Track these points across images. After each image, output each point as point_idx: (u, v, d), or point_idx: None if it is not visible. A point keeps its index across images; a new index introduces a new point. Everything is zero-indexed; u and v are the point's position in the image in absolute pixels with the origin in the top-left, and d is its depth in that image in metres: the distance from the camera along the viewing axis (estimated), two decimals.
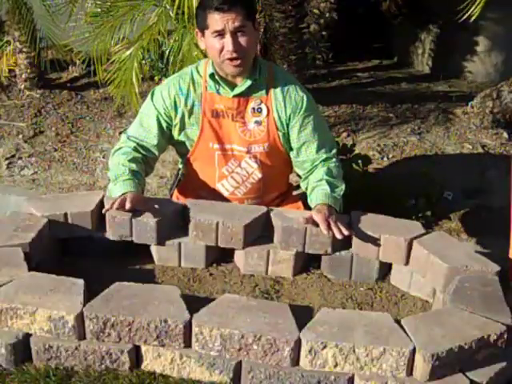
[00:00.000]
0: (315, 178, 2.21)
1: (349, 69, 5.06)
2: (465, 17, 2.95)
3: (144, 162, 2.21)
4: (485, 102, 3.65)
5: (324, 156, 2.24)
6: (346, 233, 1.97)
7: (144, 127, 2.22)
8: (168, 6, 3.23)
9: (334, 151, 2.28)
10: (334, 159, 2.26)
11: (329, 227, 1.97)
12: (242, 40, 2.07)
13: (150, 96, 2.25)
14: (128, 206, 1.98)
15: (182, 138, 2.26)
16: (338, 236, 1.96)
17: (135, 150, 2.20)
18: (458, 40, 4.84)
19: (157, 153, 2.25)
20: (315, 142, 2.23)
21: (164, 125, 2.22)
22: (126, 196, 2.01)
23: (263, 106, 2.19)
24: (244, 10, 2.05)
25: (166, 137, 2.25)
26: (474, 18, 2.94)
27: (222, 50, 2.07)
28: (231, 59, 2.07)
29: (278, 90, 2.19)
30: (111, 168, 2.18)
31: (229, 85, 2.18)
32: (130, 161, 2.15)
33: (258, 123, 2.20)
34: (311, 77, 4.16)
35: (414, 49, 5.27)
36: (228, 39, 2.04)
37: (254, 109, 2.19)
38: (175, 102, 2.20)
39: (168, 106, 2.20)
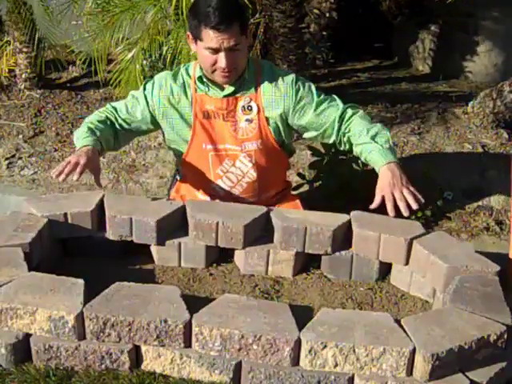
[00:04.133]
0: (354, 135, 2.14)
1: (349, 69, 5.05)
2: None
3: (114, 129, 2.25)
4: (485, 102, 3.64)
5: (337, 113, 2.18)
6: (414, 206, 1.91)
7: (128, 111, 2.25)
8: (163, 6, 3.23)
9: (340, 103, 2.23)
10: (348, 110, 2.20)
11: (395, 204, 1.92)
12: (236, 56, 2.07)
13: (143, 86, 2.26)
14: (75, 177, 1.95)
15: (174, 139, 2.27)
16: (405, 214, 1.92)
17: (109, 119, 2.24)
18: (457, 40, 4.83)
19: (130, 133, 2.31)
20: (325, 109, 2.20)
21: (148, 116, 2.24)
22: (80, 159, 1.99)
23: (253, 104, 2.19)
24: (239, 27, 2.04)
25: (146, 125, 2.27)
26: None
27: (214, 63, 2.07)
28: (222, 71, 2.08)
29: (266, 85, 2.19)
30: (85, 121, 2.23)
31: (218, 86, 2.19)
32: (98, 121, 2.19)
33: (249, 121, 2.21)
34: (311, 77, 4.15)
35: (414, 49, 5.27)
36: (222, 57, 2.04)
37: (243, 107, 2.19)
38: (166, 102, 2.21)
39: (155, 105, 2.22)
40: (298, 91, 2.19)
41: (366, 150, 2.09)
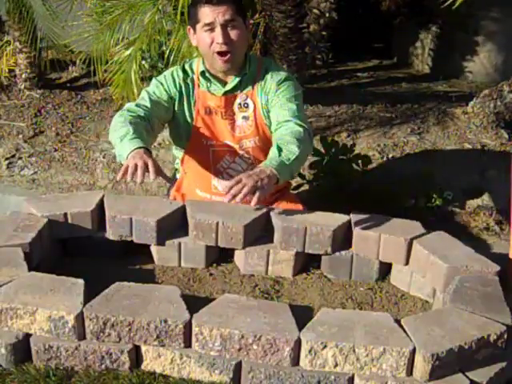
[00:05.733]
0: (274, 136, 2.10)
1: (349, 69, 5.06)
2: (447, 3, 2.91)
3: (148, 126, 2.11)
4: (485, 102, 3.65)
5: (284, 118, 2.10)
6: (238, 198, 1.80)
7: (153, 100, 2.17)
8: (160, 6, 3.23)
9: (296, 116, 2.10)
10: (291, 122, 2.08)
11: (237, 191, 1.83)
12: (232, 33, 2.08)
13: (155, 79, 2.24)
14: (152, 176, 1.85)
15: (177, 133, 2.28)
16: (225, 199, 1.84)
17: (140, 117, 2.10)
18: (458, 40, 4.84)
19: (165, 118, 2.23)
20: (285, 109, 2.13)
21: (170, 101, 2.21)
22: (147, 161, 1.86)
23: (249, 101, 2.20)
24: (234, 4, 2.07)
25: (168, 115, 2.22)
26: (458, 3, 2.89)
27: (211, 43, 2.08)
28: (221, 53, 2.09)
29: (262, 82, 2.20)
30: (114, 129, 2.05)
31: (220, 82, 2.19)
32: (134, 117, 2.06)
33: (246, 118, 2.22)
34: (311, 77, 4.17)
35: (414, 49, 5.28)
36: (218, 32, 2.06)
37: (240, 104, 2.20)
38: (176, 94, 2.22)
39: (172, 93, 2.21)
40: (277, 90, 2.17)
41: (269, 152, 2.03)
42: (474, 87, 4.69)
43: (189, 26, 2.19)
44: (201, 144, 2.24)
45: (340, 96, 4.08)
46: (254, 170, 1.92)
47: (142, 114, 2.12)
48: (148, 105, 2.15)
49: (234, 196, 1.83)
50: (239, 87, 2.20)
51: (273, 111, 2.17)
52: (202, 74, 2.19)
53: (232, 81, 2.19)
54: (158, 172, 1.89)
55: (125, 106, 2.19)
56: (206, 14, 2.05)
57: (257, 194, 1.83)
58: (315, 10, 4.01)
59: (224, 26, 2.06)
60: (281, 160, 1.95)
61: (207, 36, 2.08)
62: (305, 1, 3.89)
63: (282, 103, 2.14)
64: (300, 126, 2.08)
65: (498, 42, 4.85)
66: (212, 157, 2.26)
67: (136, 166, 1.86)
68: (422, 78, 4.90)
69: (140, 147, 1.93)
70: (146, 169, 1.86)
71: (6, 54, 4.17)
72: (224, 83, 2.20)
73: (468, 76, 4.97)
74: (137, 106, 2.15)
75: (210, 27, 2.07)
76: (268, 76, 2.20)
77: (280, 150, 1.98)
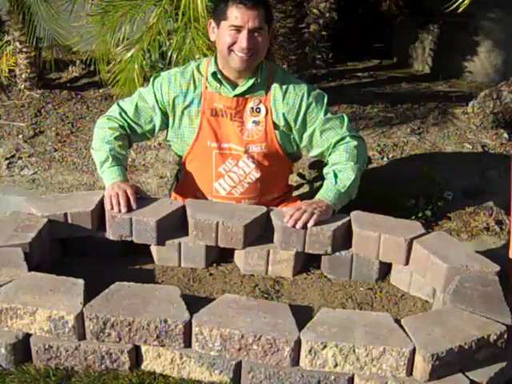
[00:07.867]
0: (330, 160, 2.24)
1: (349, 69, 5.05)
2: (453, 7, 2.92)
3: (128, 138, 2.30)
4: (485, 102, 3.65)
5: (336, 139, 2.22)
6: (298, 225, 2.00)
7: (138, 113, 2.26)
8: (166, 6, 3.23)
9: (344, 129, 2.23)
10: (346, 138, 2.22)
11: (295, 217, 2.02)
12: (257, 40, 2.08)
13: (151, 82, 2.26)
14: (134, 206, 2.06)
15: (177, 136, 2.27)
16: (288, 223, 2.01)
17: (122, 128, 2.26)
18: (458, 40, 4.84)
19: (142, 138, 2.37)
20: (328, 131, 2.22)
21: (159, 114, 2.25)
22: (128, 194, 2.07)
23: (262, 106, 2.19)
24: (265, 12, 2.07)
25: (158, 124, 2.28)
26: (462, 8, 2.90)
27: (233, 44, 2.07)
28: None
29: (278, 91, 2.19)
30: (94, 144, 2.25)
31: (230, 84, 2.18)
32: (115, 139, 2.22)
33: (256, 123, 2.20)
34: (311, 77, 4.16)
35: (414, 49, 5.27)
36: (244, 36, 2.05)
37: (252, 108, 2.19)
38: (174, 101, 2.22)
39: (165, 102, 2.23)
40: (306, 106, 2.19)
41: (325, 178, 2.22)
42: (474, 87, 4.68)
43: (211, 20, 2.15)
44: (205, 146, 2.24)
45: (340, 96, 4.08)
46: (314, 200, 2.13)
47: (126, 126, 2.28)
48: (133, 116, 2.27)
49: (296, 220, 2.01)
50: (250, 91, 2.19)
51: (317, 132, 2.22)
52: (214, 75, 2.18)
53: (243, 84, 2.17)
54: (133, 199, 2.08)
55: (119, 104, 2.32)
56: (236, 15, 2.03)
57: (314, 216, 2.03)
58: (315, 10, 4.01)
59: (251, 32, 2.05)
60: (337, 189, 2.14)
61: (231, 36, 2.06)
62: (305, 1, 3.89)
63: (324, 121, 2.21)
64: (352, 137, 2.23)
65: (497, 42, 4.84)
66: (215, 159, 2.25)
67: (117, 195, 2.07)
68: (422, 78, 4.90)
69: (116, 181, 2.13)
70: (127, 197, 2.07)
71: (6, 53, 4.16)
72: (234, 86, 2.19)
73: (468, 76, 4.97)
74: (124, 112, 2.28)
75: (237, 29, 2.05)
76: (286, 87, 2.19)
77: (336, 176, 2.17)
